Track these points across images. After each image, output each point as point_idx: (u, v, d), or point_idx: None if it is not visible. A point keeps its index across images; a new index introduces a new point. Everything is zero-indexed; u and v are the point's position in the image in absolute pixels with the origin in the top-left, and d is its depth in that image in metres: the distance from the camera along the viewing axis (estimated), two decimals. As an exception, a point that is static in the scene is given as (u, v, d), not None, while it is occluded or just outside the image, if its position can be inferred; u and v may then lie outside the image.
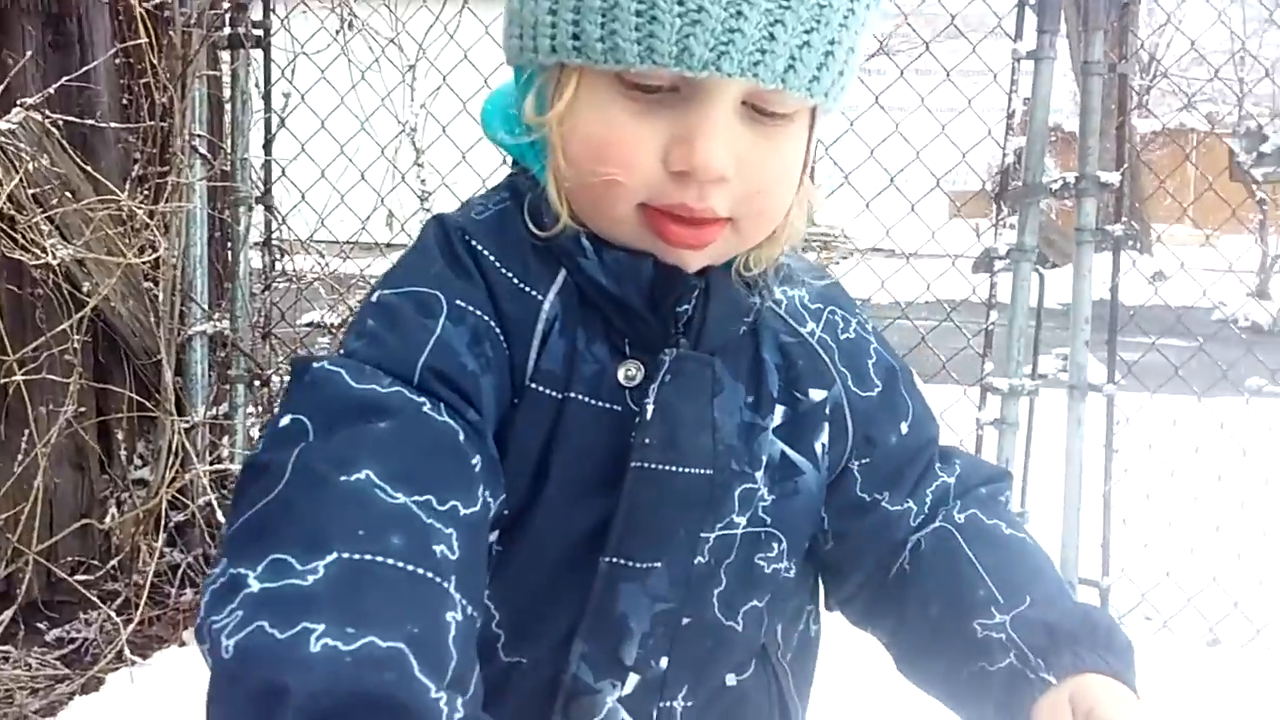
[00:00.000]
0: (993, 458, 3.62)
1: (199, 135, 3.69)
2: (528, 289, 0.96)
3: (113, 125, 3.55)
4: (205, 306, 3.74)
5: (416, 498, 0.81)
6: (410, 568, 0.78)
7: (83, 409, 3.43)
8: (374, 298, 0.95)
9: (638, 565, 0.96)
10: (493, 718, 0.79)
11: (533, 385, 0.95)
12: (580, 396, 0.96)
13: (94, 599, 3.34)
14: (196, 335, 3.72)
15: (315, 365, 0.88)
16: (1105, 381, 3.61)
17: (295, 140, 3.91)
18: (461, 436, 0.87)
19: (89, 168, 3.40)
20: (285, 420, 0.84)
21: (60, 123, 3.32)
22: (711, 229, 0.94)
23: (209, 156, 3.72)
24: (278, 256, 4.00)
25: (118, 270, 3.40)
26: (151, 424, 3.75)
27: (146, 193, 3.61)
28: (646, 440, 0.95)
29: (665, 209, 0.92)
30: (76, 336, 3.28)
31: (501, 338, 0.94)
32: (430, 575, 0.78)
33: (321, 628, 0.72)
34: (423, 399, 0.87)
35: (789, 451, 1.03)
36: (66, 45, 3.47)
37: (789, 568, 1.04)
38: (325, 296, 4.17)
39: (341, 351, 0.91)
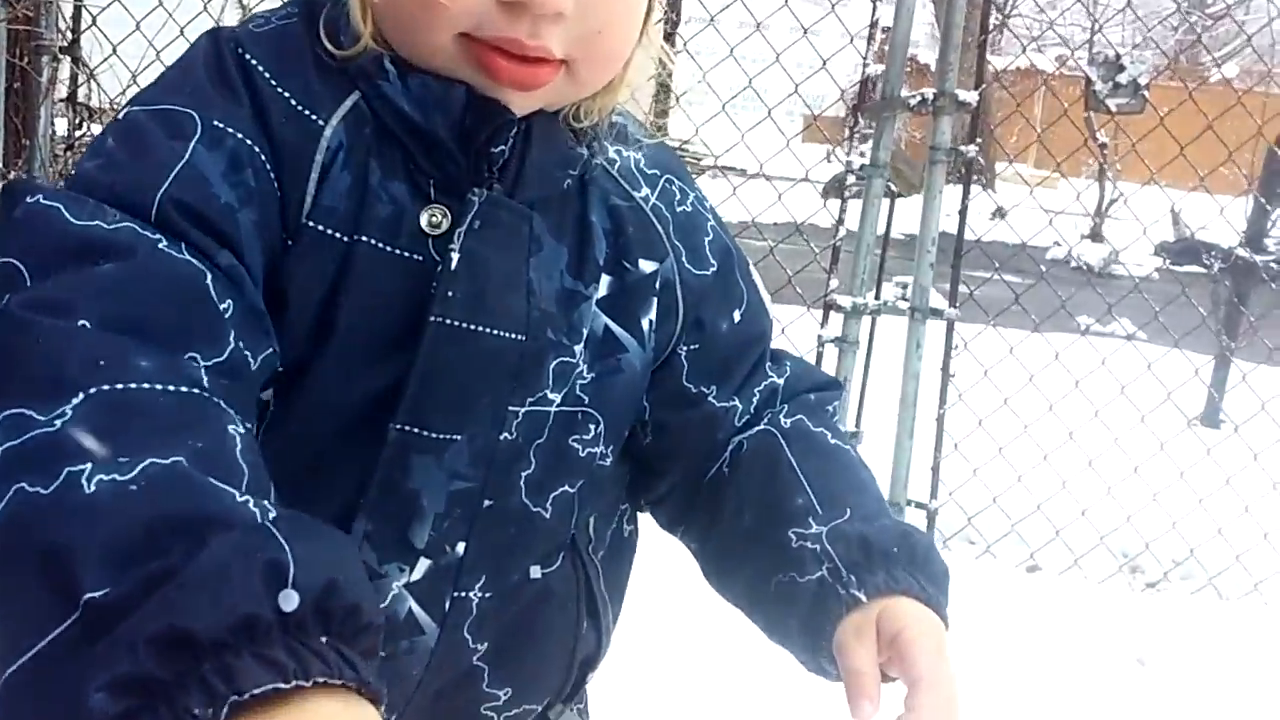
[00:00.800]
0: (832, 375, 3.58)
1: (-2, -29, 3.33)
2: (307, 112, 0.83)
3: (-105, -50, 3.17)
4: (0, 165, 3.41)
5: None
6: (170, 387, 0.66)
7: None
8: (120, 114, 0.81)
9: (434, 435, 0.84)
10: None
11: (311, 224, 0.82)
12: (372, 240, 0.83)
13: None
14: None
15: (29, 198, 0.72)
16: (947, 306, 3.60)
17: (109, -14, 3.56)
18: (208, 279, 0.73)
19: None
20: None
21: None
22: (544, 70, 0.83)
23: (10, -2, 3.36)
24: (85, 116, 3.67)
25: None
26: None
27: (-66, 31, 3.25)
28: (450, 293, 0.83)
29: (493, 41, 0.81)
30: None
31: (269, 167, 0.80)
32: (194, 390, 0.68)
33: (89, 466, 0.61)
34: (158, 236, 0.73)
35: (613, 326, 0.93)
36: None
37: (604, 454, 0.94)
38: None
39: (72, 174, 0.77)
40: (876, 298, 3.56)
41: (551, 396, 0.90)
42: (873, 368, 3.64)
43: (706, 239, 0.99)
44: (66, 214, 0.72)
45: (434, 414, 0.84)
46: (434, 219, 0.84)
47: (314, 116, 0.83)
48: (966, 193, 3.77)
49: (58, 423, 0.62)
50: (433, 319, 0.83)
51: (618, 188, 0.95)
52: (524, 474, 0.89)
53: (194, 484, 0.62)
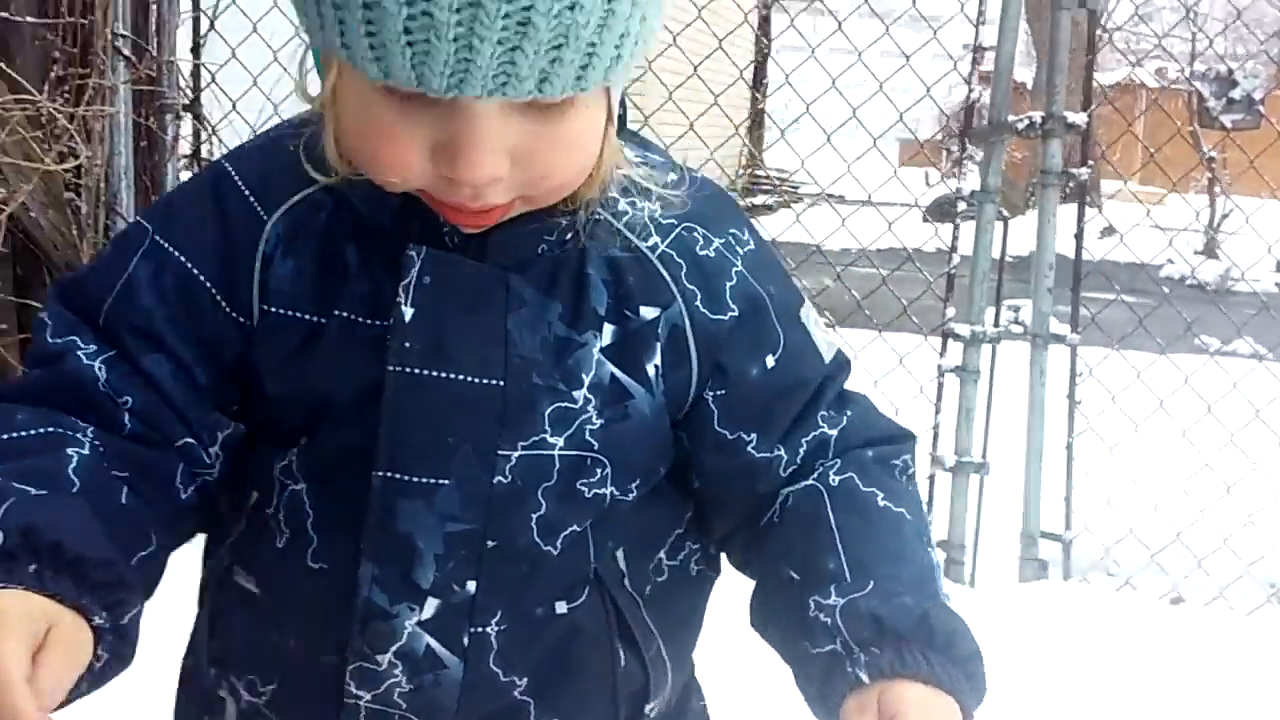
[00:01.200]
0: (954, 406, 3.52)
1: (123, 35, 3.44)
2: (258, 208, 0.94)
3: (30, 20, 3.29)
4: (130, 220, 3.51)
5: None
6: (28, 431, 0.88)
7: (3, 325, 3.21)
8: (135, 219, 1.01)
9: (417, 480, 0.92)
10: (304, 627, 0.94)
11: (268, 308, 0.94)
12: (346, 315, 0.93)
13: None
14: (120, 250, 3.50)
15: (43, 312, 0.95)
16: (1069, 331, 3.52)
17: (226, 44, 3.66)
18: (100, 382, 0.91)
19: (3, 65, 3.16)
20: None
21: (-30, 16, 3.06)
22: (495, 212, 0.88)
23: (133, 59, 3.47)
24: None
25: (35, 176, 3.16)
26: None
27: (67, 95, 3.36)
28: (406, 344, 0.91)
29: (442, 202, 0.88)
30: (-8, 247, 3.06)
31: (194, 270, 0.94)
32: (45, 429, 0.89)
33: None
34: (90, 344, 0.92)
35: (618, 373, 0.95)
36: (-21, -68, 3.20)
37: (617, 494, 0.97)
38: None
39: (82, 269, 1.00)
40: (996, 324, 3.50)
41: (552, 440, 0.93)
42: (995, 395, 3.57)
43: (729, 283, 0.98)
44: (48, 333, 0.93)
45: (413, 459, 0.91)
46: (389, 288, 0.92)
47: (261, 211, 0.94)
48: (1081, 215, 3.69)
49: None
50: (390, 369, 0.90)
51: (622, 240, 0.96)
52: (535, 516, 0.93)
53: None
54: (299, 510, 0.95)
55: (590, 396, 0.94)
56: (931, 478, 3.61)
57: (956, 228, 3.60)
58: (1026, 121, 3.47)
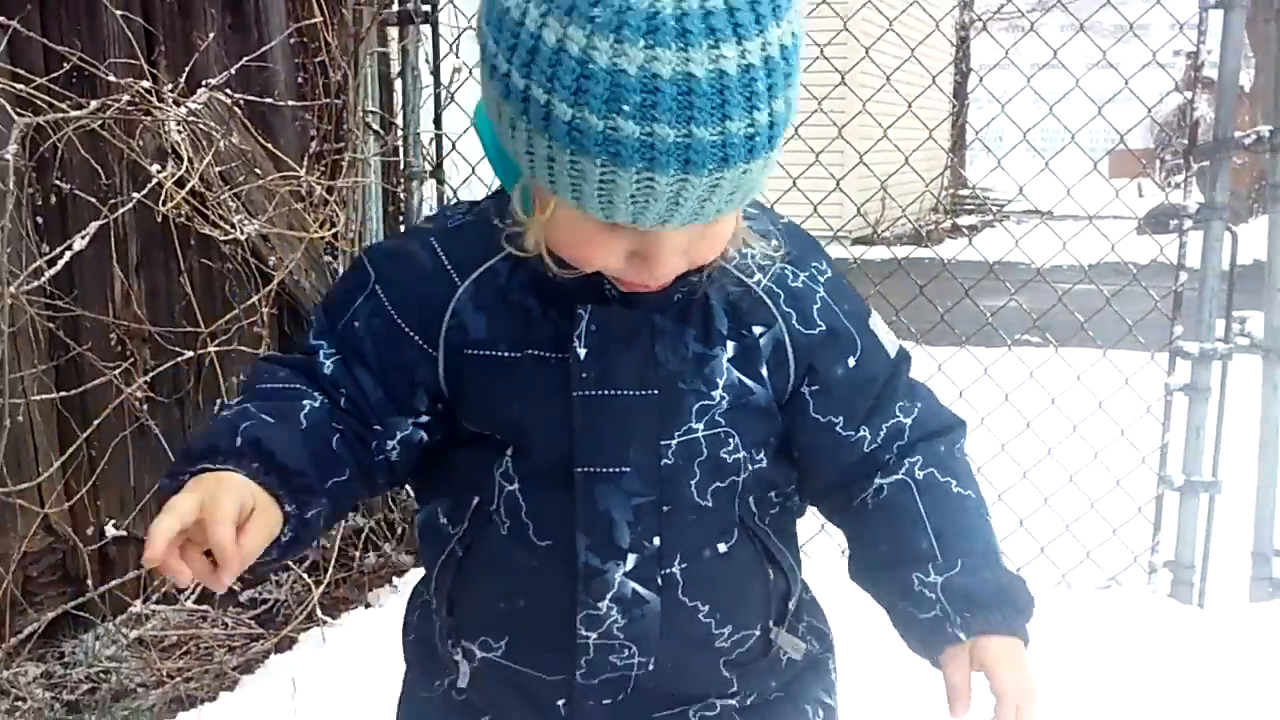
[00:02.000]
0: (1183, 426, 3.48)
1: (372, 111, 3.78)
2: (454, 274, 1.24)
3: (290, 103, 3.65)
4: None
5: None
6: (284, 385, 1.24)
7: (270, 380, 3.54)
8: (368, 248, 1.33)
9: (607, 470, 1.22)
10: (535, 591, 1.25)
11: (470, 352, 1.23)
12: (535, 353, 1.22)
13: (287, 561, 3.46)
14: (373, 307, 3.81)
15: (314, 315, 1.31)
16: (1303, 344, 3.43)
17: (464, 114, 3.95)
18: (329, 371, 1.25)
19: (269, 145, 3.51)
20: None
21: (241, 102, 3.42)
22: (669, 284, 1.20)
23: (382, 132, 3.80)
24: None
25: (301, 245, 3.50)
26: (332, 394, 3.86)
27: (324, 169, 3.71)
28: (583, 375, 1.21)
29: (624, 280, 1.18)
30: (264, 309, 3.40)
31: (398, 318, 1.24)
32: (297, 385, 1.23)
33: (229, 411, 1.20)
34: (328, 347, 1.26)
35: (741, 376, 1.26)
36: (245, 26, 3.57)
37: (748, 456, 1.27)
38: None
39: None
40: (1225, 341, 3.44)
41: (695, 427, 1.24)
42: (1227, 412, 3.50)
43: (815, 306, 1.29)
44: (312, 331, 1.28)
45: (601, 456, 1.22)
46: (577, 327, 1.21)
47: (456, 278, 1.24)
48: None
49: (236, 402, 1.22)
50: (575, 394, 1.21)
51: (734, 279, 1.27)
52: (693, 482, 1.25)
53: (246, 409, 1.19)
54: (515, 504, 1.25)
55: (725, 394, 1.25)
56: (1159, 498, 3.58)
57: (1183, 246, 3.56)
58: (1254, 137, 3.42)
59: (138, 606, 3.21)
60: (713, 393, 1.24)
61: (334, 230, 3.60)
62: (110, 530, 3.25)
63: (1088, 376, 3.74)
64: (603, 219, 1.04)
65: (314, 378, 1.25)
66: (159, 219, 3.19)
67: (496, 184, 1.26)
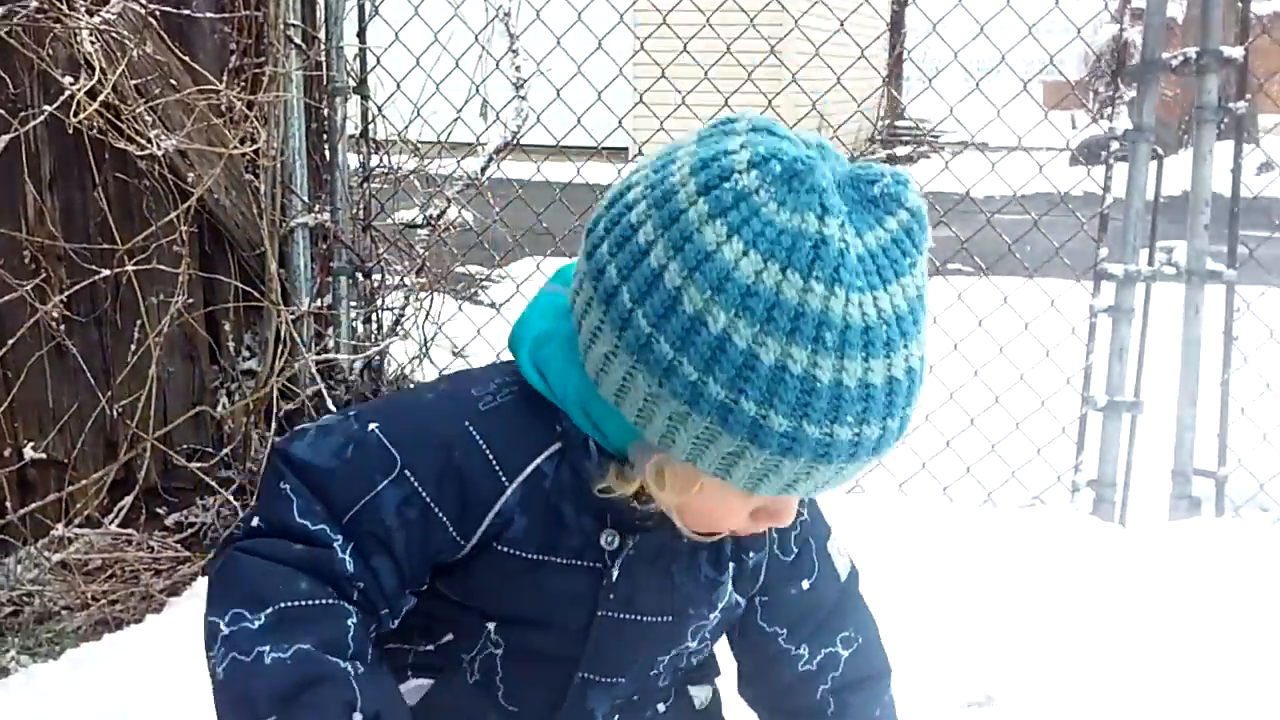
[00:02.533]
0: (1106, 347, 3.53)
1: (293, 25, 3.66)
2: (499, 471, 1.20)
3: (208, 15, 3.53)
4: (305, 199, 3.75)
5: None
6: (315, 601, 1.16)
7: (191, 300, 3.47)
8: (368, 425, 1.21)
9: (605, 680, 1.31)
10: None
11: (497, 546, 1.22)
12: (558, 559, 1.23)
13: (212, 484, 3.42)
14: (298, 227, 3.74)
15: (281, 484, 1.19)
16: (1225, 268, 3.49)
17: (389, 28, 3.86)
18: (350, 568, 1.18)
19: (187, 58, 3.40)
20: (254, 522, 1.20)
21: (157, 12, 3.30)
22: None
23: (304, 46, 3.70)
24: (374, 149, 3.98)
25: (220, 161, 3.41)
26: (258, 316, 3.80)
27: (244, 84, 3.60)
28: (611, 596, 1.26)
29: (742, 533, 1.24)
30: (183, 227, 3.31)
31: (437, 510, 1.19)
32: (330, 600, 1.17)
33: (269, 648, 1.12)
34: (338, 536, 1.18)
35: (734, 593, 1.35)
36: (162, -65, 3.44)
37: (703, 649, 1.40)
38: (421, 190, 4.16)
39: (312, 450, 1.20)
40: (1150, 264, 3.49)
41: (690, 645, 1.35)
42: (1149, 335, 3.56)
43: (794, 533, 1.38)
44: (295, 509, 1.17)
45: (604, 667, 1.30)
46: (608, 539, 1.23)
47: (503, 477, 1.20)
48: (1239, 151, 3.63)
49: (256, 623, 1.13)
50: (599, 613, 1.26)
51: None
52: (662, 680, 1.37)
53: (317, 658, 1.13)
54: (492, 666, 1.29)
55: (719, 614, 1.34)
56: (1083, 418, 3.64)
57: (1109, 168, 3.59)
58: (1181, 58, 3.43)
59: (59, 530, 3.15)
60: (710, 615, 1.34)
61: (255, 147, 3.51)
62: (29, 452, 3.18)
63: (1015, 299, 3.78)
64: (753, 490, 1.07)
65: (334, 581, 1.17)
66: (71, 132, 3.09)
67: (505, 352, 1.27)
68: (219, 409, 3.71)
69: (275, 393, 3.58)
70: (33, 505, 3.12)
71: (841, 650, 1.42)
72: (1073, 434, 3.66)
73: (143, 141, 3.16)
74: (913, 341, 1.03)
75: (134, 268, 3.22)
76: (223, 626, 1.13)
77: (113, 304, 3.33)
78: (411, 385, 4.21)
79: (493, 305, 4.84)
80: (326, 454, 1.19)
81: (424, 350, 4.15)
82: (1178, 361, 3.51)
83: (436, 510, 1.18)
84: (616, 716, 1.36)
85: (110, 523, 3.27)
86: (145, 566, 3.23)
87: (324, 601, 1.15)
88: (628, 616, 1.27)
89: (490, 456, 1.19)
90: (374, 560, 1.18)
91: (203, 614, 1.16)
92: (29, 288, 3.02)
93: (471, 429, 1.20)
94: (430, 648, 1.31)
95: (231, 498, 3.40)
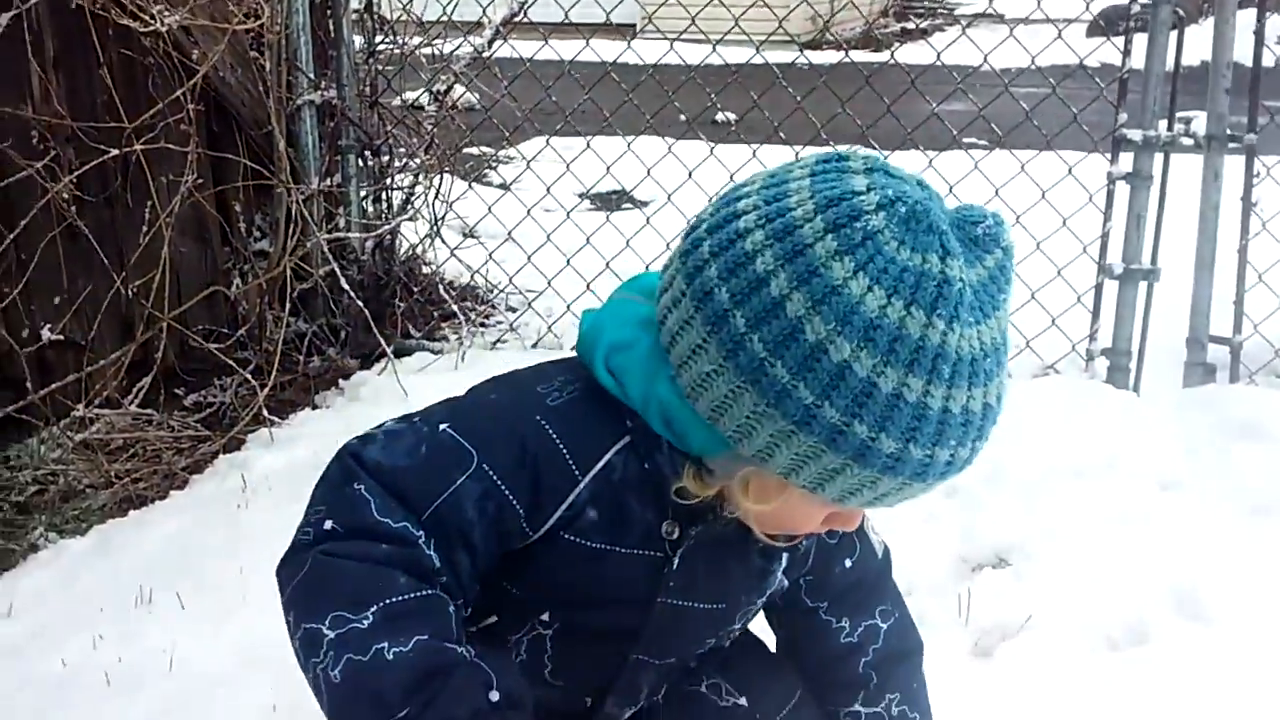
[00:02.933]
0: (1124, 215, 3.50)
1: (296, -103, 3.58)
2: (573, 466, 1.23)
3: (210, -112, 3.45)
4: (311, 76, 3.71)
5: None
6: (417, 593, 1.17)
7: (200, 180, 3.46)
8: (440, 425, 1.24)
9: (657, 661, 1.38)
10: (540, 700, 1.27)
11: (565, 536, 1.25)
12: (621, 549, 1.27)
13: (230, 364, 3.44)
14: (305, 105, 3.70)
15: (355, 485, 1.20)
16: (1246, 134, 3.44)
17: (392, -102, 3.78)
18: (436, 564, 1.20)
19: (189, -68, 3.33)
20: (327, 525, 1.19)
21: (157, -115, 3.23)
22: None
23: (307, -81, 3.61)
24: (378, 26, 3.92)
25: (224, 38, 3.36)
26: (268, 196, 3.78)
27: (248, -42, 3.53)
28: (671, 584, 1.31)
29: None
30: (190, 105, 3.28)
31: (514, 501, 1.22)
32: (429, 590, 1.18)
33: (386, 644, 1.12)
34: (420, 533, 1.19)
35: (783, 578, 1.42)
36: None
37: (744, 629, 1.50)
38: (427, 66, 4.10)
39: (384, 451, 1.22)
40: (1169, 129, 3.44)
41: (736, 629, 1.43)
42: (1167, 206, 3.52)
43: None
44: (374, 509, 1.18)
45: (658, 650, 1.37)
46: (669, 530, 1.28)
47: (577, 473, 1.23)
48: (1262, 13, 3.57)
49: (364, 623, 1.13)
50: (659, 600, 1.31)
51: None
52: (702, 655, 1.46)
53: (437, 646, 1.14)
54: (540, 646, 1.35)
55: (768, 597, 1.41)
56: (1099, 286, 3.62)
57: (1129, 35, 3.52)
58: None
59: (80, 410, 3.18)
60: (759, 600, 1.41)
61: (259, 23, 3.46)
62: (46, 334, 3.20)
63: (1032, 169, 3.74)
64: (843, 502, 1.13)
65: (425, 575, 1.19)
66: (74, 8, 3.04)
67: (572, 346, 1.30)
68: (233, 289, 3.71)
69: (288, 272, 3.58)
70: (53, 386, 3.15)
71: (880, 623, 1.51)
72: (1088, 303, 3.65)
73: (146, 18, 3.12)
74: (999, 371, 1.11)
75: (142, 147, 3.20)
76: (326, 630, 1.13)
77: (123, 184, 3.32)
78: (429, 267, 4.20)
79: (503, 186, 4.82)
80: (400, 454, 1.22)
81: (434, 229, 4.14)
82: (1195, 231, 3.49)
83: (514, 502, 1.22)
84: (663, 689, 1.43)
85: (130, 403, 3.31)
86: (166, 445, 3.27)
87: (425, 593, 1.17)
88: (684, 604, 1.32)
89: (564, 450, 1.23)
90: (455, 554, 1.21)
91: (292, 628, 1.17)
92: (39, 167, 3.00)
93: (544, 423, 1.23)
94: (473, 630, 1.32)
95: (250, 377, 3.42)
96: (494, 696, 1.15)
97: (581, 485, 1.23)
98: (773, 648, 1.59)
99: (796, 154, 3.81)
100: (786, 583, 1.43)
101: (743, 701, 1.48)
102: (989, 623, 2.30)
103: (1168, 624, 2.29)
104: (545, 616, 1.33)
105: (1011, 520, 2.66)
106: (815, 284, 1.05)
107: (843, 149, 1.17)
